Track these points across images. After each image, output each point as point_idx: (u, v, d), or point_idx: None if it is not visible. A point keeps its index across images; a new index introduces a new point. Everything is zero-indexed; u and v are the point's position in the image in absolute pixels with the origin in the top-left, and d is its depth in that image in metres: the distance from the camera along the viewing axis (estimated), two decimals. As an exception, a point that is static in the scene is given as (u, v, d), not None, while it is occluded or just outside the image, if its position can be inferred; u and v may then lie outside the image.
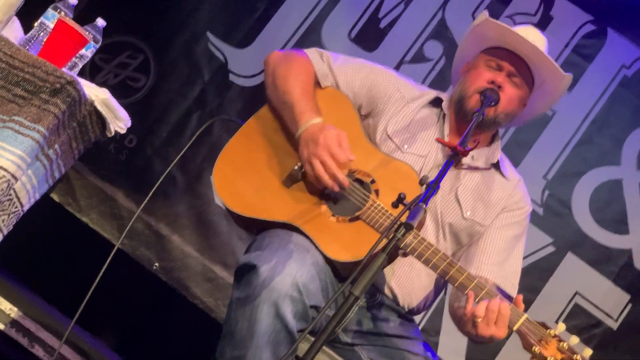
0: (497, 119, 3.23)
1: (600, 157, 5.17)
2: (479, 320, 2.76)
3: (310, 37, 5.30)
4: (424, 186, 2.61)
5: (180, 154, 3.32)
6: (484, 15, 3.28)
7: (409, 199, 2.60)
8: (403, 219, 2.50)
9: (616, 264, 5.05)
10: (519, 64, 3.26)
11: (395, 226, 2.45)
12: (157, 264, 4.97)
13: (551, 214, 5.11)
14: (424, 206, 2.51)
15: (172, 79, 5.23)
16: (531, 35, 3.28)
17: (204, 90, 5.21)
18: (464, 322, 2.86)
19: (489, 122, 3.22)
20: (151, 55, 5.25)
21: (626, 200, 5.11)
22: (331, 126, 2.98)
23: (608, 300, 5.01)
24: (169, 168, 3.44)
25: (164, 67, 5.26)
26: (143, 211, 4.69)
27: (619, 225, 5.09)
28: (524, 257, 4.85)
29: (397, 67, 5.25)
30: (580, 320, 4.98)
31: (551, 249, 5.07)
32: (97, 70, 5.22)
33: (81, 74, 4.75)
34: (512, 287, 3.20)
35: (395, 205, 2.72)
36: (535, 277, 5.03)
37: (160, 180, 3.40)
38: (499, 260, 3.21)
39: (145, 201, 3.38)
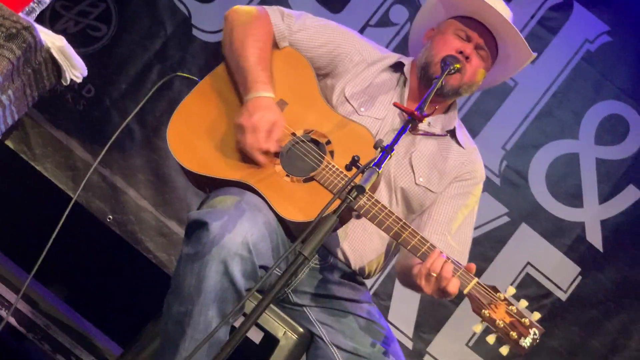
0: (459, 89, 3.24)
1: (559, 130, 5.20)
2: (435, 274, 2.76)
3: (275, -6, 5.23)
4: (379, 150, 2.59)
5: (138, 107, 3.28)
6: None
7: (363, 162, 2.59)
8: (356, 181, 2.49)
9: (569, 236, 5.11)
10: (487, 37, 3.26)
11: (348, 188, 2.44)
12: (110, 217, 4.93)
13: (508, 185, 5.15)
14: (377, 170, 2.50)
15: (133, 30, 5.13)
16: (501, 7, 3.27)
17: (165, 44, 5.13)
18: (417, 277, 2.84)
19: (451, 91, 3.22)
20: (113, 5, 5.14)
21: (582, 174, 5.16)
22: (275, 109, 3.00)
23: (559, 272, 5.08)
24: (127, 121, 3.39)
25: (125, 17, 5.15)
26: (99, 164, 4.64)
27: (574, 198, 5.15)
28: (479, 226, 4.98)
29: (361, 31, 5.20)
30: (531, 290, 5.05)
31: (506, 219, 5.12)
32: (57, 17, 5.10)
33: (40, 20, 4.72)
34: (461, 255, 3.22)
35: (348, 167, 2.72)
36: (488, 246, 5.08)
37: (117, 132, 3.35)
38: (449, 229, 3.23)
39: (102, 153, 3.33)
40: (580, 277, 5.07)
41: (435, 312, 5.02)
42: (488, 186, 5.06)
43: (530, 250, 5.10)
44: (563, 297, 5.05)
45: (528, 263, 5.08)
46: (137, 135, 4.99)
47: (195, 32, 5.17)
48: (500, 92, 5.18)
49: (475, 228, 4.90)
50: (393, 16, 5.27)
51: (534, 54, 3.29)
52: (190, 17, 5.17)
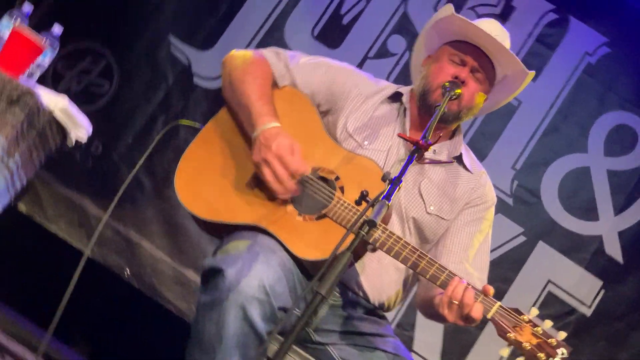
0: (460, 114, 3.24)
1: (567, 145, 5.20)
2: (457, 302, 2.75)
3: (273, 35, 5.29)
4: (387, 182, 2.59)
5: (142, 159, 3.29)
6: (449, 9, 3.26)
7: (372, 196, 2.58)
8: (367, 215, 2.48)
9: (587, 250, 5.08)
10: (482, 59, 3.25)
11: (359, 223, 2.43)
12: (128, 270, 4.93)
13: (521, 204, 5.14)
14: (387, 202, 2.49)
15: (135, 84, 5.19)
16: (494, 30, 3.27)
17: (168, 94, 5.18)
18: (440, 307, 2.83)
19: (452, 116, 3.22)
20: (113, 61, 5.20)
21: (595, 187, 5.15)
22: (286, 134, 2.99)
23: (581, 287, 5.04)
24: (133, 172, 3.40)
25: (126, 72, 5.22)
26: (112, 218, 4.68)
27: (589, 212, 5.13)
28: (495, 248, 4.97)
29: (361, 63, 5.25)
30: (554, 309, 5.01)
31: (522, 238, 5.09)
32: (60, 77, 5.17)
33: (43, 81, 4.74)
34: (480, 282, 3.18)
35: (358, 202, 2.71)
36: (507, 268, 5.05)
37: (125, 184, 3.35)
38: (466, 257, 3.21)
39: (112, 206, 3.34)
40: (603, 291, 5.03)
41: (460, 338, 4.98)
42: (501, 207, 5.06)
43: (549, 268, 5.07)
44: (587, 312, 5.01)
45: (549, 281, 5.05)
46: (146, 186, 5.02)
47: (196, 80, 5.22)
48: (504, 113, 5.18)
49: (492, 250, 4.92)
50: (391, 46, 5.30)
51: (531, 72, 3.28)
52: (190, 66, 5.23)
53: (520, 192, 5.16)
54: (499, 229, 4.97)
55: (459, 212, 3.25)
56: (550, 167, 5.18)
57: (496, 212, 4.88)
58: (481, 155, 5.17)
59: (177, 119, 5.07)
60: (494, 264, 4.93)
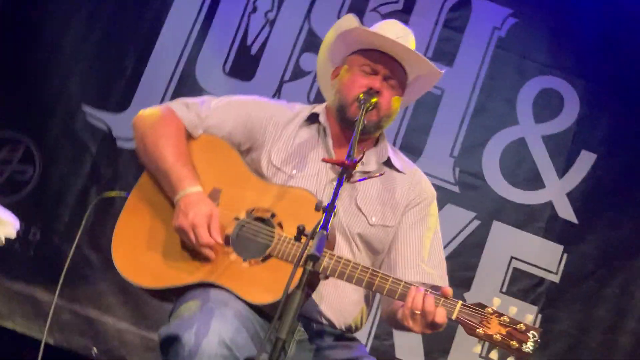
0: (380, 123, 3.21)
1: (498, 122, 5.24)
2: (418, 312, 2.72)
3: (186, 82, 5.24)
4: (321, 211, 2.56)
5: (77, 237, 3.22)
6: (352, 21, 3.22)
7: (309, 227, 2.54)
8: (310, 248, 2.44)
9: (541, 219, 5.12)
10: (393, 65, 3.23)
11: (302, 261, 2.39)
12: (95, 349, 4.84)
13: (467, 189, 5.15)
14: (325, 232, 2.46)
15: (59, 161, 5.11)
16: (398, 31, 3.26)
17: (94, 164, 5.11)
18: (404, 320, 2.81)
19: (373, 127, 3.19)
20: (32, 144, 5.11)
21: (534, 156, 5.18)
22: (205, 200, 2.98)
23: (544, 256, 5.08)
24: (71, 252, 3.35)
25: (47, 151, 5.13)
26: (66, 300, 4.58)
27: (534, 181, 5.16)
28: (453, 238, 4.98)
29: (278, 89, 5.23)
30: (523, 283, 5.04)
31: (476, 222, 5.11)
32: (-19, 173, 5.07)
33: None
34: (440, 279, 3.17)
35: (297, 238, 2.67)
36: (468, 255, 5.07)
37: (66, 265, 3.30)
38: (421, 259, 3.18)
39: (58, 288, 3.29)
40: (565, 255, 5.06)
41: (438, 335, 4.94)
42: (449, 196, 5.07)
43: (509, 245, 5.09)
44: (556, 279, 5.04)
45: (512, 258, 5.07)
46: (93, 260, 4.94)
47: (119, 143, 5.15)
48: (430, 103, 5.20)
49: (450, 240, 5.02)
50: (305, 65, 5.29)
51: (441, 71, 3.27)
52: (110, 131, 5.16)
53: (464, 178, 5.17)
54: (451, 219, 5.03)
55: (401, 216, 3.23)
56: (487, 147, 5.21)
57: (445, 203, 5.01)
58: (417, 150, 5.18)
59: (110, 187, 5.01)
60: (456, 254, 5.00)
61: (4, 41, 5.22)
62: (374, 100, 3.09)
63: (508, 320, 2.68)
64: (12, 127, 5.15)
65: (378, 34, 3.19)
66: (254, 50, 5.30)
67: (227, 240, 2.96)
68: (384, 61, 3.21)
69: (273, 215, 2.97)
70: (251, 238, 2.95)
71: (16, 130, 5.14)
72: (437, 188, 4.80)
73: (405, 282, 2.78)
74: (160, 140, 3.13)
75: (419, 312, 2.73)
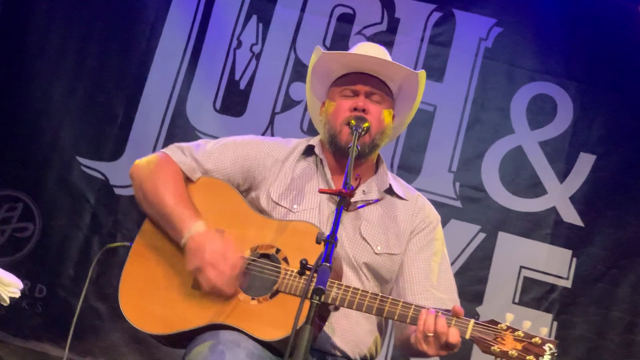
0: (375, 141, 3.18)
1: (494, 132, 5.22)
2: (431, 334, 2.69)
3: (178, 123, 5.23)
4: (322, 243, 2.53)
5: (84, 290, 3.20)
6: (317, 51, 3.24)
7: (312, 261, 2.51)
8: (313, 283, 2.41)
9: (547, 225, 5.09)
10: (371, 81, 3.22)
11: (309, 295, 2.36)
12: (111, 400, 4.81)
13: (469, 203, 5.13)
14: (328, 265, 2.43)
15: (59, 215, 5.10)
16: (370, 50, 3.26)
17: (94, 214, 5.09)
18: (418, 344, 2.77)
19: (368, 148, 3.16)
20: (30, 200, 5.10)
21: (532, 163, 5.17)
22: (215, 236, 2.93)
23: (553, 263, 5.05)
24: (78, 306, 3.32)
25: (46, 206, 5.12)
26: (77, 354, 4.55)
27: (535, 188, 5.15)
28: (460, 254, 4.96)
29: (270, 121, 5.22)
30: (535, 292, 5.00)
31: (482, 235, 5.08)
32: (-18, 235, 5.06)
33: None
34: (451, 302, 3.13)
35: (301, 273, 2.65)
36: (477, 269, 5.04)
37: (75, 318, 3.27)
38: (430, 284, 3.15)
39: (69, 342, 3.25)
40: (575, 259, 5.03)
41: (454, 356, 4.89)
42: (452, 212, 5.05)
43: (517, 255, 5.07)
44: (567, 284, 5.01)
45: (521, 267, 5.04)
46: (102, 312, 4.91)
47: (117, 191, 5.14)
48: (423, 121, 5.19)
49: (458, 255, 4.98)
50: (295, 95, 5.29)
51: (419, 71, 3.24)
52: (107, 180, 5.14)
53: (465, 192, 5.15)
54: (456, 234, 5.00)
55: (407, 242, 3.20)
56: (485, 158, 5.19)
57: (449, 218, 4.98)
58: (416, 169, 5.16)
59: (112, 236, 4.99)
60: (464, 269, 4.98)
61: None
62: (365, 125, 3.08)
63: (523, 334, 2.64)
64: (8, 185, 5.13)
65: (342, 52, 3.20)
66: (242, 84, 5.30)
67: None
68: (361, 80, 3.21)
69: (278, 251, 2.94)
70: (258, 276, 2.93)
71: (13, 188, 5.12)
72: (439, 204, 4.90)
73: (415, 306, 2.75)
74: (159, 186, 3.10)
75: (431, 334, 2.69)
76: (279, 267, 2.90)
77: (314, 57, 3.26)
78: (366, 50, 3.22)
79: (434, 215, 3.31)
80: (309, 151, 3.29)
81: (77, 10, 5.36)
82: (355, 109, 3.13)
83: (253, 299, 2.88)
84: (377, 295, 2.78)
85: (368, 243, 3.12)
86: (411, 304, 2.76)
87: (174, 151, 3.23)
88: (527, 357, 2.59)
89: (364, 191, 3.19)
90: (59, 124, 5.21)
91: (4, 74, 5.26)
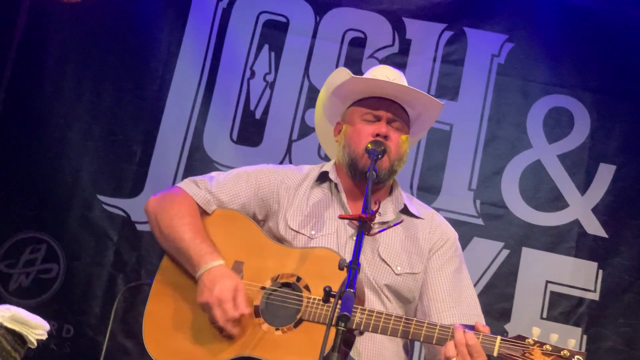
0: (393, 167, 3.20)
1: (511, 147, 5.20)
2: (454, 359, 2.68)
3: (196, 156, 5.25)
4: (345, 269, 2.53)
5: (108, 333, 3.21)
6: (345, 73, 3.24)
7: (335, 287, 2.51)
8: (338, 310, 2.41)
9: (570, 238, 5.05)
10: (393, 108, 3.24)
11: (333, 322, 2.36)
12: None
13: (491, 220, 5.10)
14: (352, 290, 2.43)
15: (82, 254, 5.12)
16: (389, 75, 3.28)
17: (117, 251, 5.11)
18: None
19: (386, 174, 3.18)
20: (53, 241, 5.13)
21: (552, 176, 5.13)
22: (229, 274, 2.95)
23: (579, 276, 5.00)
24: (105, 344, 3.33)
25: (69, 246, 5.14)
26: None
27: (557, 201, 5.11)
28: (484, 271, 4.92)
29: (288, 149, 5.23)
30: (563, 306, 4.95)
31: (505, 252, 5.04)
32: (7, 278, 5.09)
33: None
34: (477, 317, 3.13)
35: (325, 300, 2.65)
36: (503, 286, 5.00)
37: (102, 357, 3.28)
38: (453, 301, 3.14)
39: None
40: (601, 271, 4.98)
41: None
42: (474, 230, 5.03)
43: (543, 270, 5.02)
44: (595, 297, 4.95)
45: (547, 282, 4.99)
46: (130, 348, 4.91)
47: (139, 227, 5.15)
48: (440, 141, 5.18)
49: (483, 273, 4.95)
50: (310, 121, 5.29)
51: (442, 103, 3.26)
52: (128, 216, 5.16)
53: (486, 209, 5.12)
54: (480, 252, 4.98)
55: (427, 261, 3.20)
56: (504, 174, 5.16)
57: (471, 237, 4.97)
58: (435, 189, 5.15)
59: (137, 272, 5.01)
60: (490, 286, 4.94)
61: (11, 145, 5.28)
62: (383, 147, 3.09)
63: (550, 348, 2.63)
64: (31, 228, 5.16)
65: (371, 79, 3.21)
66: (258, 114, 5.32)
67: (256, 312, 2.94)
68: (384, 106, 3.22)
69: (299, 279, 2.95)
70: (280, 305, 2.93)
71: (35, 230, 5.15)
72: (461, 223, 4.88)
73: (440, 326, 2.75)
74: (174, 220, 3.12)
75: (463, 346, 2.67)
76: (301, 296, 2.90)
77: (337, 78, 3.26)
78: (385, 74, 3.24)
79: (451, 232, 3.31)
80: (322, 177, 3.29)
81: (90, 51, 5.40)
82: (377, 135, 3.15)
83: (277, 329, 2.89)
84: (401, 317, 2.78)
85: (388, 264, 3.12)
86: (436, 324, 2.75)
87: (188, 185, 3.25)
88: (557, 371, 2.58)
89: (379, 213, 3.19)
90: (78, 164, 5.24)
91: (22, 118, 5.31)
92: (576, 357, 2.60)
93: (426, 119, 3.36)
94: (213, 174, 3.34)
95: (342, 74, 3.25)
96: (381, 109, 3.22)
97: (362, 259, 3.06)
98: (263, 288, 2.97)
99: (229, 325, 2.88)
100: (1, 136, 5.31)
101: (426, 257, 3.20)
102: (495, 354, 2.69)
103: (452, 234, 3.31)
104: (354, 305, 2.75)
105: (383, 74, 3.28)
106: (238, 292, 2.90)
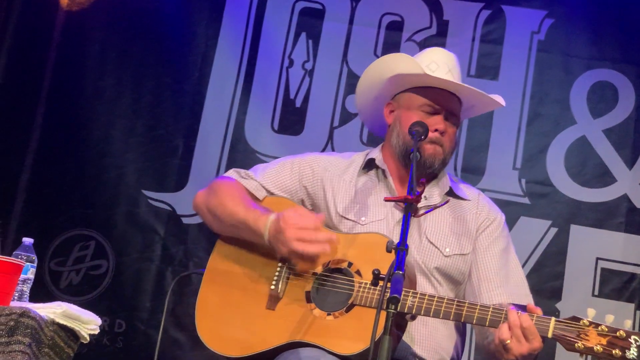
0: (446, 161, 3.22)
1: (555, 124, 5.13)
2: (508, 342, 2.65)
3: (238, 147, 5.25)
4: (393, 252, 2.51)
5: (161, 327, 3.23)
6: (411, 63, 3.19)
7: (385, 271, 2.49)
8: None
9: (620, 214, 4.98)
10: (452, 101, 3.24)
11: (384, 305, 2.34)
12: None
13: (537, 198, 5.04)
14: (401, 272, 2.41)
15: (130, 250, 5.16)
16: (443, 58, 3.27)
17: (165, 246, 5.14)
18: (497, 353, 2.75)
19: (440, 166, 3.20)
20: (101, 237, 5.18)
21: (598, 152, 5.07)
22: (288, 210, 2.94)
23: (630, 251, 4.93)
24: (159, 337, 3.35)
25: (117, 242, 5.19)
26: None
27: (604, 177, 5.04)
28: (533, 250, 4.87)
29: (330, 136, 5.22)
30: (614, 282, 4.90)
31: (554, 230, 4.99)
32: (58, 276, 5.15)
33: (43, 288, 4.75)
34: (525, 297, 3.12)
35: (374, 283, 2.64)
36: (553, 264, 4.94)
37: (157, 350, 3.31)
38: (501, 280, 3.13)
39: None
40: (652, 245, 4.91)
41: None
42: (521, 209, 4.99)
43: (592, 247, 4.95)
44: (648, 271, 4.88)
45: (598, 259, 4.93)
46: (181, 341, 4.94)
47: (185, 220, 5.17)
48: (483, 121, 5.14)
49: (531, 252, 4.90)
50: (351, 107, 5.27)
51: (499, 98, 3.24)
52: (174, 210, 5.19)
53: (532, 188, 5.06)
54: (527, 231, 4.93)
55: (474, 241, 3.18)
56: (549, 152, 5.10)
57: (518, 216, 4.93)
58: (480, 170, 5.11)
59: (184, 265, 5.05)
60: (539, 266, 4.90)
61: (56, 145, 5.34)
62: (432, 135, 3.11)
63: (606, 329, 2.59)
64: (79, 225, 5.21)
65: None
66: (298, 102, 5.31)
67: (308, 297, 2.94)
68: (443, 99, 3.21)
69: (350, 264, 2.94)
70: (332, 290, 2.93)
71: (83, 228, 5.20)
72: (507, 203, 4.84)
73: (493, 308, 2.72)
74: (226, 199, 3.13)
75: (518, 328, 2.65)
76: (353, 281, 2.90)
77: (400, 65, 3.22)
78: (446, 62, 3.23)
79: (497, 212, 3.29)
80: (369, 164, 3.29)
81: (128, 50, 5.44)
82: (435, 130, 3.13)
83: (329, 314, 2.88)
84: (454, 300, 2.76)
85: (436, 247, 3.10)
86: (489, 307, 2.73)
87: (234, 174, 3.28)
88: (614, 352, 2.54)
89: (425, 197, 3.17)
90: (122, 161, 5.28)
91: (65, 120, 5.36)
92: (633, 337, 2.57)
93: (478, 110, 3.40)
94: (257, 166, 3.35)
95: (408, 64, 3.20)
96: (440, 102, 3.20)
97: (410, 242, 3.02)
98: (314, 274, 2.97)
99: (319, 235, 2.85)
100: (46, 137, 5.36)
101: (473, 238, 3.19)
102: (550, 335, 2.66)
103: (499, 215, 3.29)
104: (406, 290, 2.75)
105: (440, 59, 3.25)
106: (299, 210, 2.94)
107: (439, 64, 3.23)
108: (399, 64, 3.23)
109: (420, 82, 3.22)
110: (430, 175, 3.23)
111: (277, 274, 3.01)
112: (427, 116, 3.18)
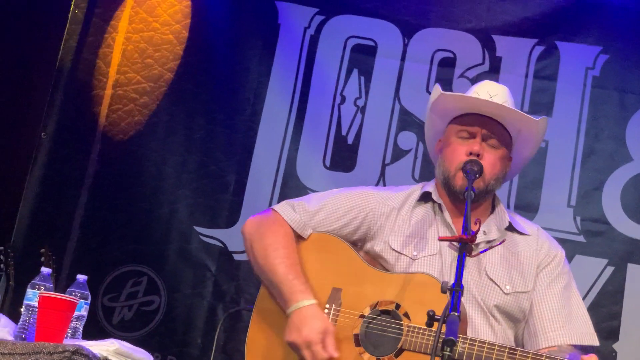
0: (488, 187, 3.14)
1: (611, 161, 5.05)
2: None
3: (289, 184, 5.27)
4: (448, 293, 2.48)
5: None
6: (437, 90, 3.21)
7: (439, 312, 2.46)
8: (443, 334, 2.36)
9: (678, 251, 4.87)
10: (489, 125, 3.17)
11: (439, 347, 2.31)
12: None
13: (593, 237, 4.96)
14: (457, 314, 2.37)
15: (182, 286, 5.18)
16: (492, 90, 3.22)
17: (216, 282, 5.15)
18: None
19: (481, 193, 3.12)
20: (153, 273, 5.21)
21: (655, 189, 4.97)
22: (320, 315, 2.92)
23: (688, 291, 4.81)
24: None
25: (169, 278, 5.22)
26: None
27: (662, 215, 4.93)
28: (589, 289, 4.77)
29: (382, 173, 5.19)
30: (674, 321, 4.77)
31: (610, 269, 4.89)
32: (110, 312, 5.18)
33: (96, 324, 4.78)
34: (590, 336, 3.04)
35: (429, 324, 2.60)
36: (609, 304, 4.84)
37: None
38: (563, 320, 3.06)
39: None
40: None
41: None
42: (576, 247, 4.90)
43: (650, 285, 4.84)
44: None
45: (656, 298, 4.82)
46: (232, 377, 4.94)
47: (236, 257, 5.18)
48: (537, 157, 4.99)
49: (587, 291, 4.81)
50: (403, 144, 5.25)
51: (540, 118, 3.18)
52: (225, 246, 5.21)
53: (587, 226, 4.98)
54: (583, 270, 4.84)
55: (535, 279, 3.11)
56: (605, 189, 5.02)
57: (573, 254, 4.83)
58: (534, 207, 5.04)
59: (235, 302, 5.04)
60: (596, 305, 4.80)
61: (109, 182, 5.41)
62: (478, 167, 3.03)
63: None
64: (131, 262, 5.25)
65: (458, 95, 3.17)
66: (350, 139, 5.31)
67: (357, 341, 2.91)
68: (480, 122, 3.16)
69: (398, 306, 2.90)
70: (380, 334, 2.89)
71: (136, 264, 5.24)
72: (562, 241, 4.70)
73: (546, 356, 2.66)
74: (269, 251, 3.11)
75: None
76: (401, 324, 2.86)
77: (433, 95, 3.23)
78: (488, 91, 3.18)
79: (558, 248, 3.23)
80: (425, 197, 3.25)
81: (181, 85, 5.50)
82: (470, 154, 3.09)
83: (378, 359, 2.85)
84: (505, 347, 2.70)
85: (496, 284, 3.05)
86: (542, 355, 2.67)
87: (285, 208, 3.24)
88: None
89: (484, 232, 3.12)
90: (174, 197, 5.32)
91: (119, 155, 5.43)
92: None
93: (528, 136, 3.26)
94: (311, 195, 3.35)
95: (435, 91, 3.23)
96: (476, 125, 3.16)
97: (469, 279, 3.00)
98: (362, 316, 2.93)
99: None
100: (100, 173, 5.43)
101: (534, 275, 3.13)
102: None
103: (560, 251, 3.23)
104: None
105: (484, 89, 3.22)
106: (327, 334, 2.87)
107: (481, 92, 3.20)
108: (432, 96, 3.25)
109: (454, 110, 3.21)
110: (479, 205, 3.18)
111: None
112: (464, 142, 3.15)
